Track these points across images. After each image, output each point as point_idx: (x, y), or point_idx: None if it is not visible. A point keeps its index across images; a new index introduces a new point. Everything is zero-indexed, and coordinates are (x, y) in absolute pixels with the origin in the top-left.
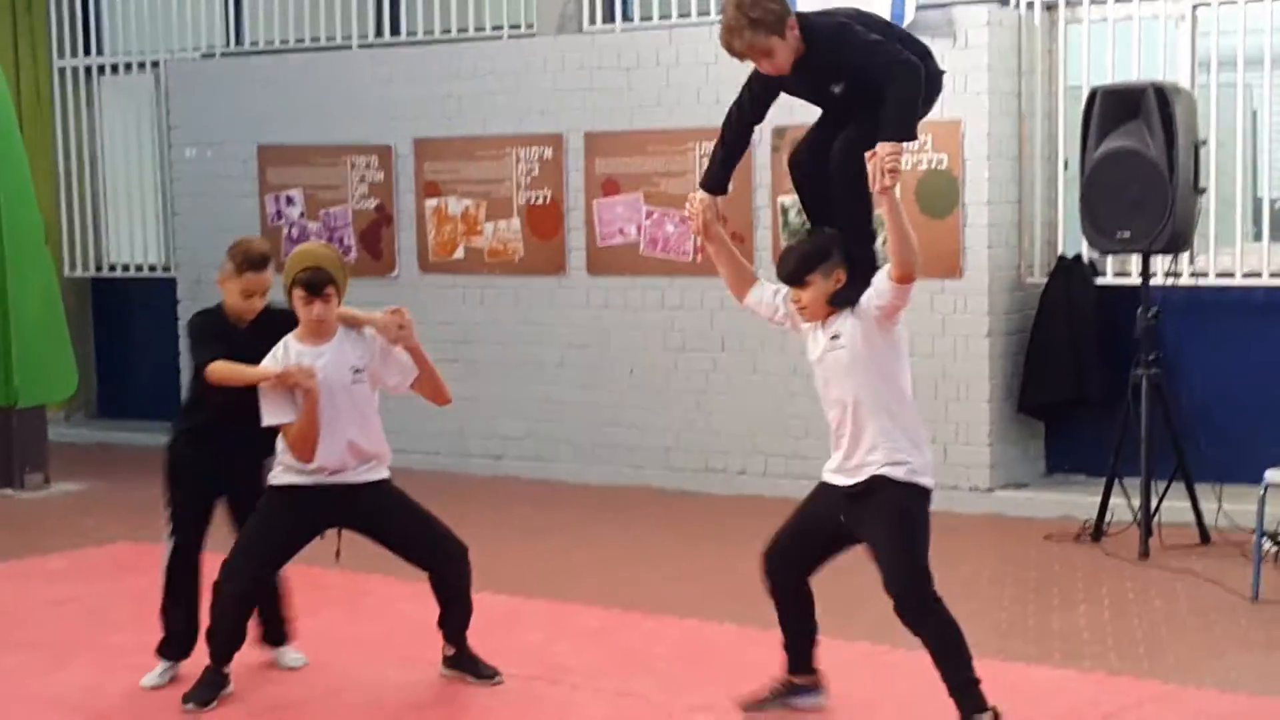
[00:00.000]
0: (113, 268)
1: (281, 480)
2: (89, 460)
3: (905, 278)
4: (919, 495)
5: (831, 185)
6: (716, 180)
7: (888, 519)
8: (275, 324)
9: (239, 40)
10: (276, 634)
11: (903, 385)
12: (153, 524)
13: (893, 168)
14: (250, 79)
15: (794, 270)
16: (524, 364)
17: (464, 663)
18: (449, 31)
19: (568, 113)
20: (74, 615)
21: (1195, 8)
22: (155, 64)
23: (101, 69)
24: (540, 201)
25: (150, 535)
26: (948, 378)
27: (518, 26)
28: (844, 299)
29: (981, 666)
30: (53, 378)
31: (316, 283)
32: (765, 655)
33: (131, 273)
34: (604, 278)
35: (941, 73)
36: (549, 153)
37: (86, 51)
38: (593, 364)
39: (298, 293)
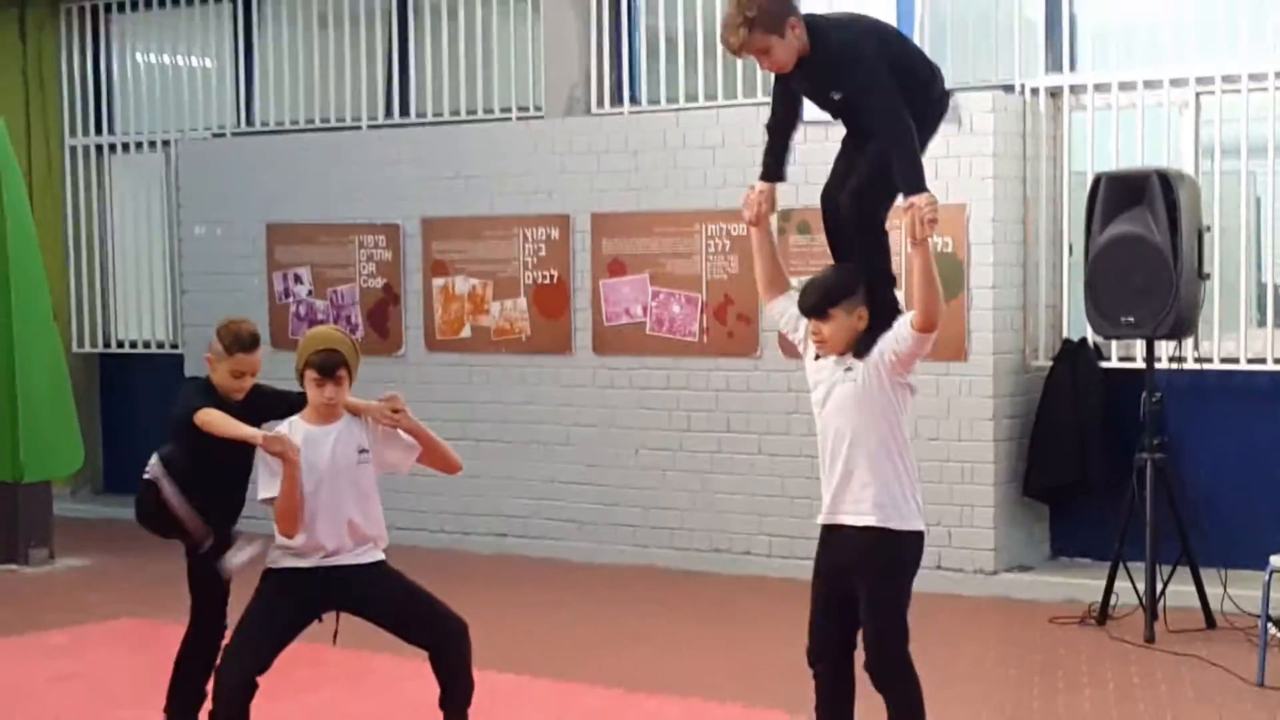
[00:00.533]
0: (120, 344)
1: (280, 564)
2: (94, 535)
3: (928, 326)
4: (911, 541)
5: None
6: (770, 168)
7: (881, 572)
8: (266, 401)
9: (249, 120)
10: None
11: (904, 428)
12: (157, 600)
13: (932, 218)
14: (260, 158)
15: (817, 303)
16: (529, 443)
17: None
18: (457, 113)
19: (575, 194)
20: (76, 692)
21: (1198, 95)
22: (166, 143)
23: (113, 147)
24: (547, 281)
25: (154, 612)
26: (952, 460)
27: (526, 108)
28: (865, 344)
29: None
30: (59, 453)
31: (329, 365)
32: None
33: (139, 349)
34: (610, 357)
35: (948, 94)
36: (556, 233)
37: (98, 130)
38: (598, 443)
39: (310, 374)
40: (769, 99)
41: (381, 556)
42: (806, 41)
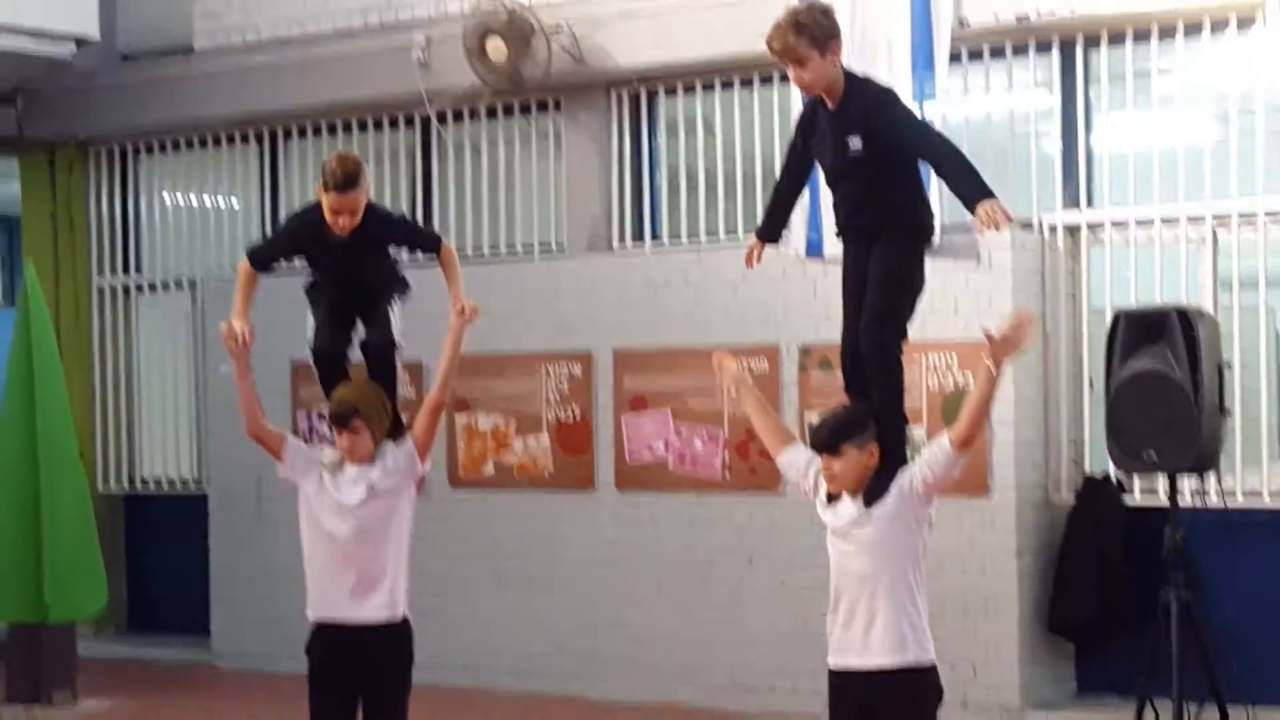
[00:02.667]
0: (145, 483)
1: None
2: (117, 677)
3: (966, 444)
4: (927, 681)
5: (868, 376)
6: (766, 229)
7: (904, 712)
8: (376, 241)
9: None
10: None
11: (922, 566)
12: None
13: (1007, 216)
14: (285, 298)
15: (828, 439)
16: (552, 580)
17: None
18: (480, 250)
19: (597, 330)
20: None
21: (1215, 230)
22: (193, 283)
23: (140, 287)
24: (570, 418)
25: None
26: (976, 596)
27: (548, 245)
28: (879, 486)
29: None
30: (83, 593)
31: (339, 416)
32: None
33: (164, 488)
34: (632, 493)
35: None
36: (578, 370)
37: (125, 270)
38: (621, 580)
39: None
40: (789, 233)
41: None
42: (841, 80)
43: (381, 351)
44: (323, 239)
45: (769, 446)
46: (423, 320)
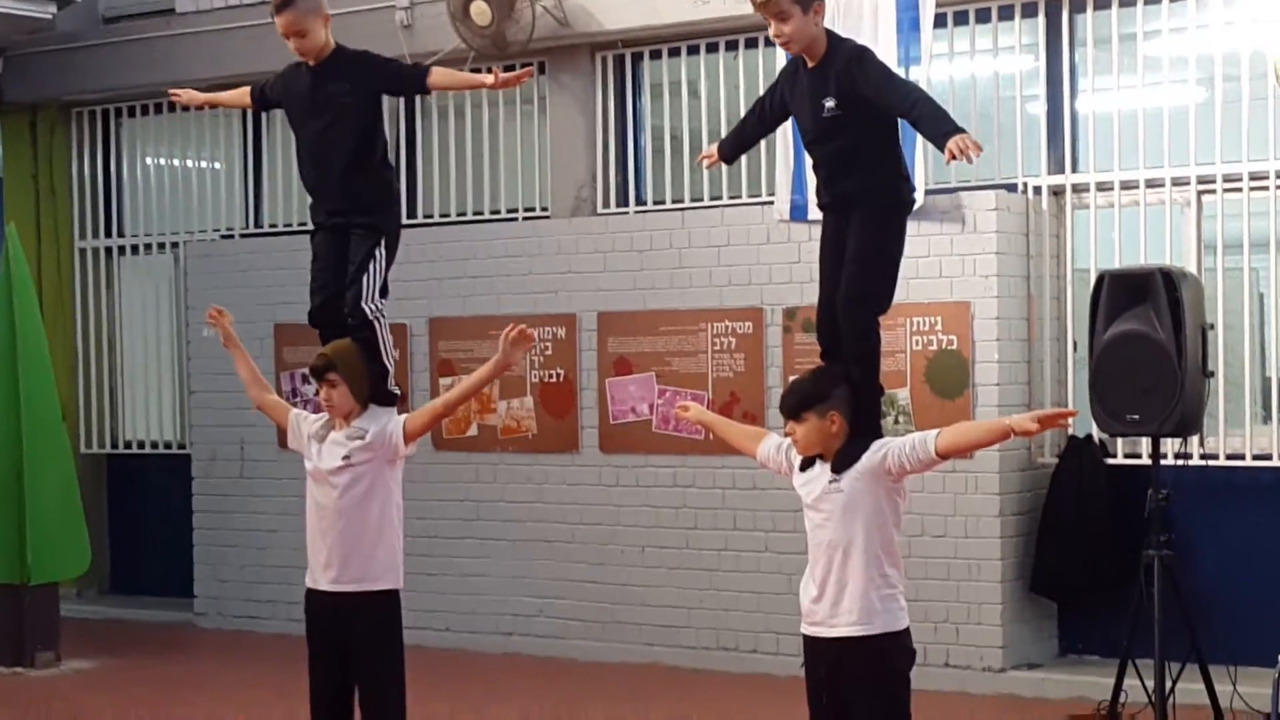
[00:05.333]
0: (129, 444)
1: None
2: (100, 637)
3: (949, 456)
4: (897, 645)
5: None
6: (726, 147)
7: (873, 676)
8: (350, 66)
9: (258, 221)
10: None
11: (895, 536)
12: (161, 704)
13: (978, 146)
14: (268, 259)
15: (791, 407)
16: (535, 541)
17: None
18: (464, 214)
19: (581, 293)
20: None
21: (1200, 194)
22: (175, 245)
23: (122, 250)
24: (553, 380)
25: (162, 716)
26: (959, 558)
27: (532, 209)
28: (848, 455)
29: None
30: (66, 555)
31: (316, 369)
32: None
33: (147, 449)
34: (616, 456)
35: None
36: (562, 332)
37: (108, 233)
38: (604, 541)
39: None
40: (773, 199)
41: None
42: (823, 40)
43: (356, 332)
44: (298, 73)
45: (746, 451)
46: (408, 285)
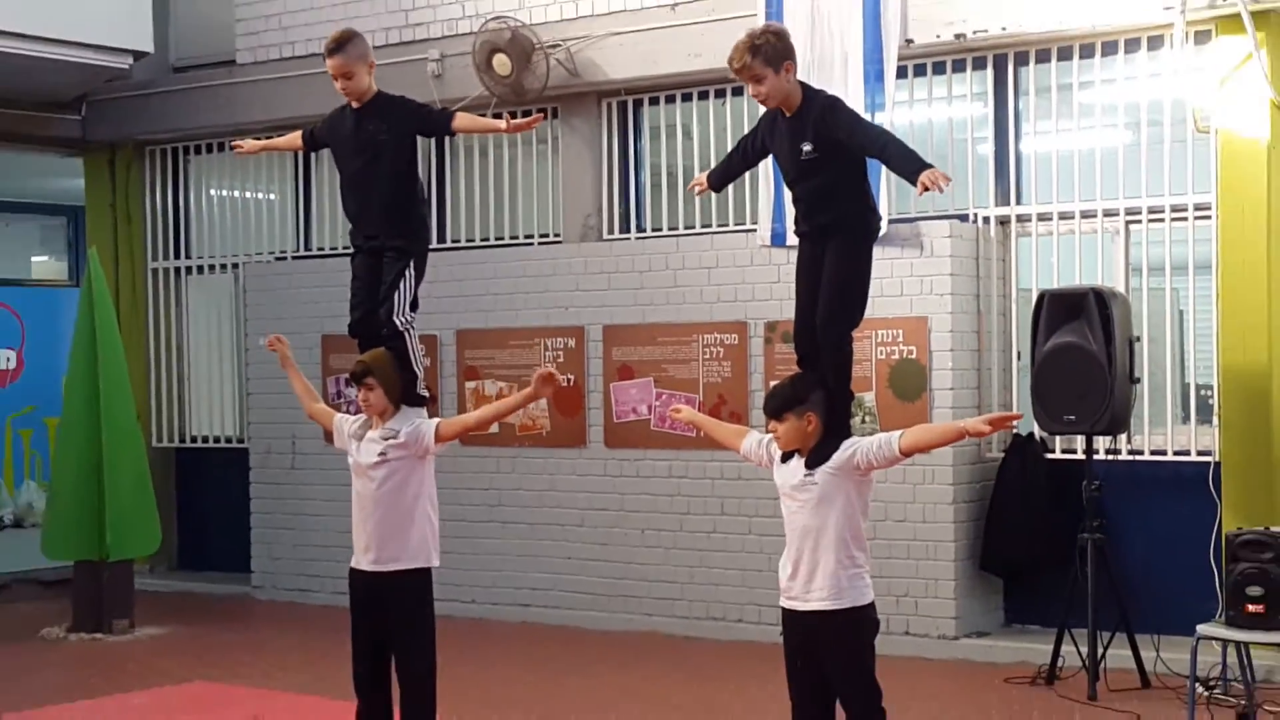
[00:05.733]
0: (194, 439)
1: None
2: (170, 608)
3: (911, 454)
4: (864, 617)
5: (822, 361)
6: (716, 177)
7: (842, 644)
8: (388, 109)
9: (308, 245)
10: None
11: (861, 521)
12: (226, 665)
13: (947, 177)
14: (315, 278)
15: (774, 408)
16: (549, 525)
17: None
18: (487, 238)
19: (588, 309)
20: None
21: (1128, 223)
22: (235, 265)
23: (189, 269)
24: (565, 384)
25: (224, 676)
26: (917, 540)
27: (546, 235)
28: (822, 453)
29: None
30: (139, 535)
31: (355, 375)
32: None
33: (210, 444)
34: (619, 450)
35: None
36: (572, 343)
37: (177, 255)
38: (608, 525)
39: None
40: (756, 226)
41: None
42: (798, 94)
43: (389, 342)
44: (343, 116)
45: (731, 447)
46: (438, 300)
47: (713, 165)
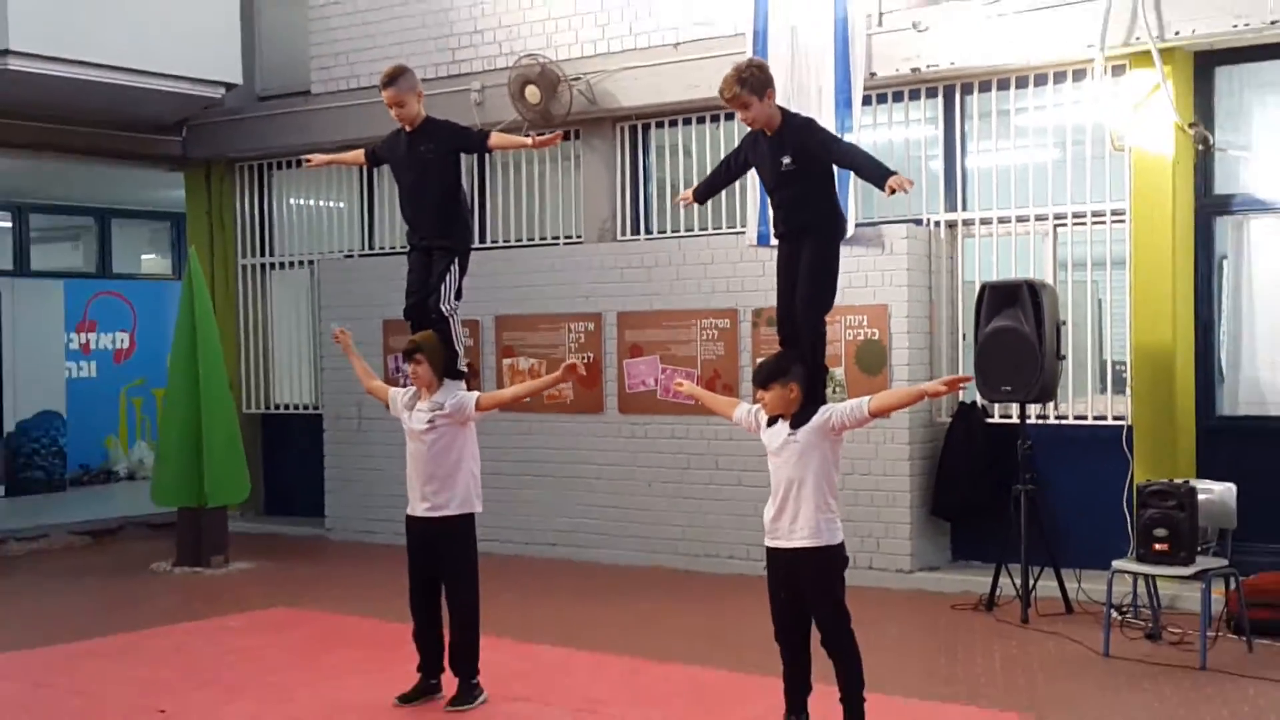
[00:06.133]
0: (277, 406)
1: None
2: (257, 546)
3: (879, 415)
4: (836, 553)
5: (800, 341)
6: (701, 191)
7: (818, 576)
8: (435, 131)
9: (370, 245)
10: None
11: (834, 474)
12: (303, 595)
13: (911, 181)
14: (377, 272)
15: (762, 379)
16: (572, 478)
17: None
18: (521, 239)
19: (605, 298)
20: (244, 662)
21: (1055, 226)
22: (311, 262)
23: (272, 265)
24: (585, 360)
25: (301, 604)
26: (879, 490)
27: (570, 236)
28: (803, 417)
29: (904, 705)
30: (232, 485)
31: (406, 352)
32: (744, 693)
33: (290, 410)
34: (630, 416)
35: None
36: (591, 326)
37: (262, 254)
38: (621, 478)
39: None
40: (744, 229)
41: (456, 511)
42: (778, 117)
43: (437, 325)
44: (399, 137)
45: (724, 415)
46: (481, 290)
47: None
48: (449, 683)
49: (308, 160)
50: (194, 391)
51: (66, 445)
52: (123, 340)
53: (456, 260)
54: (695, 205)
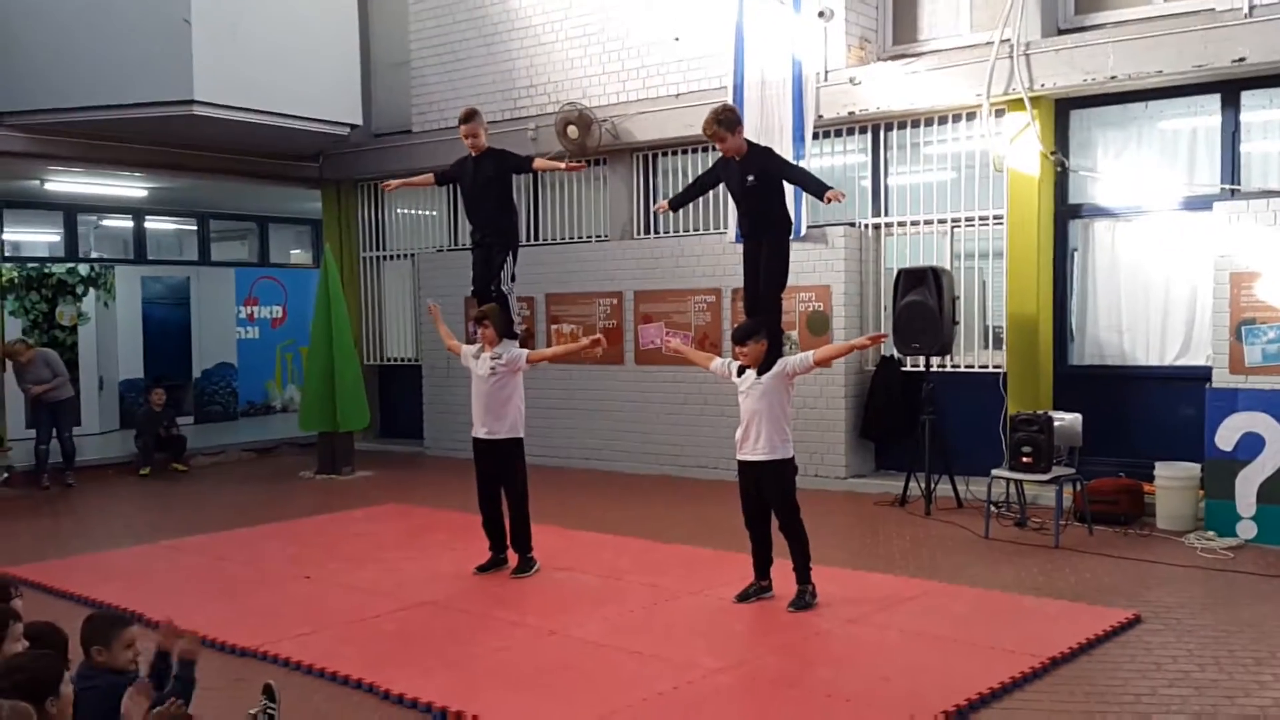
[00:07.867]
0: (389, 359)
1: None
2: (375, 459)
3: (822, 364)
4: (788, 464)
5: (763, 310)
6: (676, 201)
7: (775, 480)
8: (495, 156)
9: (455, 242)
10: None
11: (788, 407)
12: (411, 495)
13: (843, 194)
14: (461, 262)
15: (740, 337)
16: (601, 410)
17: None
18: (564, 238)
19: (625, 280)
20: (366, 543)
21: (953, 228)
22: (412, 255)
23: (385, 258)
24: (611, 325)
25: (410, 501)
26: (823, 419)
27: (600, 235)
28: (767, 364)
29: (841, 574)
30: (357, 415)
31: (477, 318)
32: (723, 565)
33: (399, 362)
34: (644, 366)
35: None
36: (615, 301)
37: (377, 248)
38: (637, 410)
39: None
40: (726, 231)
41: (509, 436)
42: (745, 146)
43: (497, 300)
44: (467, 160)
45: (704, 366)
46: (533, 274)
47: (702, 198)
48: (512, 557)
49: (385, 185)
50: (329, 348)
51: (238, 387)
52: (277, 311)
53: (509, 253)
54: (670, 213)
